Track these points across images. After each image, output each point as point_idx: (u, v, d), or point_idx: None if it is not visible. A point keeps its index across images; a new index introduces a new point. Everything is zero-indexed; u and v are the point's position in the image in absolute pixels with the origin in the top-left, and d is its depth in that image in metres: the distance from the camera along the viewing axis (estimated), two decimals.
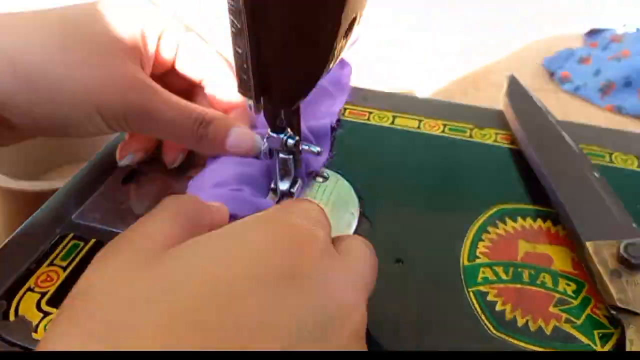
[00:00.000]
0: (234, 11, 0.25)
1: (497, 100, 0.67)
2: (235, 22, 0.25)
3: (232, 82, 0.34)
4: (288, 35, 0.24)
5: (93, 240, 0.33)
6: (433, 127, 0.42)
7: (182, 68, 0.36)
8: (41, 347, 0.17)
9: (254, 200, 0.32)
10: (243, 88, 0.28)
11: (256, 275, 0.18)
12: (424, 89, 0.68)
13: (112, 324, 0.16)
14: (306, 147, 0.31)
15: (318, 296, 0.19)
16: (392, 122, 0.42)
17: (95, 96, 0.30)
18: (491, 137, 0.41)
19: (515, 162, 0.39)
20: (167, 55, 0.35)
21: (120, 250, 0.20)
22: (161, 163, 0.38)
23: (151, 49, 0.34)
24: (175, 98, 0.32)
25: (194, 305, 0.16)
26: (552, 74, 0.72)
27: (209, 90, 0.36)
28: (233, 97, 0.36)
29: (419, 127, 0.42)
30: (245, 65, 0.27)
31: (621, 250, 0.29)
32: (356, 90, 0.46)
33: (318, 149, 0.31)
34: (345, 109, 0.44)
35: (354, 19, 0.24)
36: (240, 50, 0.26)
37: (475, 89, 0.72)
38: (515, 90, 0.44)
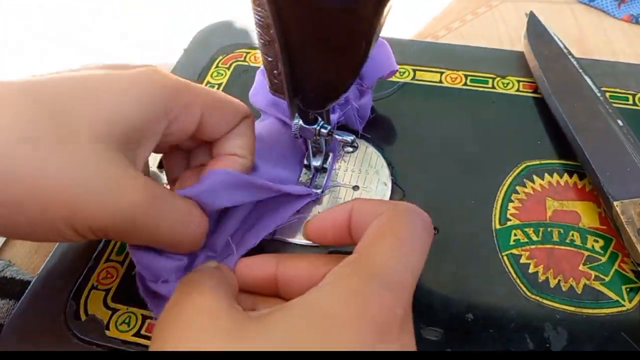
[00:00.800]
0: (261, 25, 0.25)
1: (511, 17, 0.65)
2: (264, 34, 0.25)
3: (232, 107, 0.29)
4: (319, 49, 0.24)
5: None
6: (455, 80, 0.42)
7: (206, 135, 0.30)
8: None
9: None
10: (275, 89, 0.28)
11: (356, 342, 0.19)
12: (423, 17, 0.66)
13: None
14: (339, 137, 0.32)
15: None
16: (413, 77, 0.42)
17: (65, 206, 0.22)
18: (514, 85, 0.41)
19: (539, 112, 0.39)
20: (185, 128, 0.28)
21: (197, 318, 0.21)
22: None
23: (155, 136, 0.26)
24: (178, 205, 0.26)
25: None
26: None
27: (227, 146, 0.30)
28: (235, 119, 0.30)
29: (440, 81, 0.42)
30: (275, 71, 0.27)
31: None
32: None
33: (352, 137, 0.32)
34: None
35: (382, 25, 0.24)
36: (270, 59, 0.26)
37: (487, 6, 0.70)
38: (535, 29, 0.43)
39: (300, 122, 0.31)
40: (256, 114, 0.34)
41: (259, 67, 0.42)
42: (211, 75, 0.44)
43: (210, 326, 0.20)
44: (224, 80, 0.44)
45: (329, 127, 0.31)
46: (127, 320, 0.31)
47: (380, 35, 0.25)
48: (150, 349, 0.22)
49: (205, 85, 0.43)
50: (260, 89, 0.35)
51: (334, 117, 0.35)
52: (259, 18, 0.25)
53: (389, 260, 0.22)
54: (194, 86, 0.27)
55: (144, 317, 0.31)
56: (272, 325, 0.20)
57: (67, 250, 0.35)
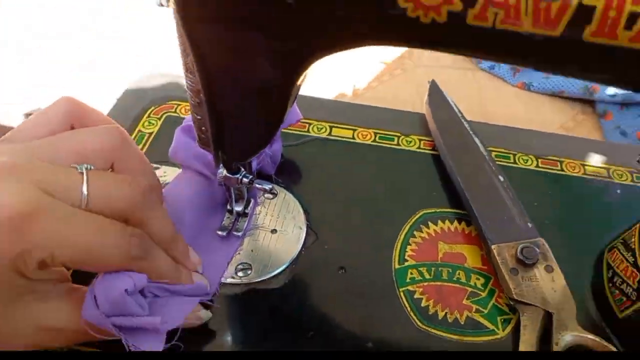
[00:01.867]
0: (192, 89, 0.29)
1: (422, 79, 0.72)
2: (194, 97, 0.29)
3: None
4: (244, 114, 0.28)
5: None
6: (365, 137, 0.47)
7: None
8: None
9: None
10: (203, 143, 0.32)
11: None
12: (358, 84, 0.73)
13: None
14: (259, 185, 0.36)
15: None
16: (330, 133, 0.47)
17: None
18: (416, 143, 0.47)
19: (436, 167, 0.45)
20: None
21: None
22: None
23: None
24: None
25: None
26: None
27: None
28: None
29: (353, 137, 0.47)
30: (203, 128, 0.31)
31: (518, 253, 0.36)
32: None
33: (270, 185, 0.36)
34: None
35: (298, 89, 0.28)
36: (199, 117, 0.30)
37: (402, 69, 0.78)
38: (435, 95, 0.49)
39: (224, 171, 0.35)
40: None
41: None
42: (142, 125, 0.47)
43: None
44: (155, 130, 0.47)
45: (250, 177, 0.35)
46: None
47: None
48: None
49: (137, 134, 0.46)
50: (180, 146, 0.38)
51: (253, 165, 0.39)
52: (189, 83, 0.29)
53: None
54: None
55: None
56: None
57: None
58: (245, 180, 0.35)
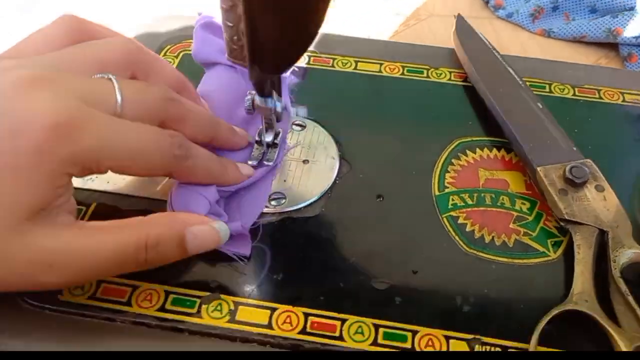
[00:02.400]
0: None
1: (438, 28, 0.70)
2: (225, 0, 0.27)
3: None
4: (279, 12, 0.26)
5: (94, 204, 0.35)
6: (393, 70, 0.45)
7: None
8: None
9: None
10: (234, 56, 0.30)
11: None
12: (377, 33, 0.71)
13: None
14: (292, 113, 0.35)
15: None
16: (355, 67, 0.45)
17: None
18: (446, 75, 0.45)
19: (469, 98, 0.43)
20: None
21: None
22: None
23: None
24: (98, 228, 0.27)
25: None
26: (486, 2, 0.76)
27: None
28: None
29: (380, 71, 0.45)
30: (235, 37, 0.29)
31: (566, 172, 0.34)
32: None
33: (305, 110, 0.35)
34: (309, 57, 0.46)
35: None
36: (231, 24, 0.28)
37: (416, 19, 0.75)
38: (463, 29, 0.47)
39: (256, 97, 0.33)
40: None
41: None
42: None
43: None
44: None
45: (281, 103, 0.34)
46: (80, 287, 0.31)
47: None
48: None
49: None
50: (202, 44, 0.37)
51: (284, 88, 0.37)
52: None
53: None
54: None
55: (99, 281, 0.31)
56: None
57: None
58: (277, 108, 0.33)
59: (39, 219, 0.25)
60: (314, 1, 0.26)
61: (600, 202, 0.34)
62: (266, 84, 0.32)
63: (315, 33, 0.28)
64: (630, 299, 0.29)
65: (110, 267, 0.27)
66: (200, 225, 0.28)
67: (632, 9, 0.68)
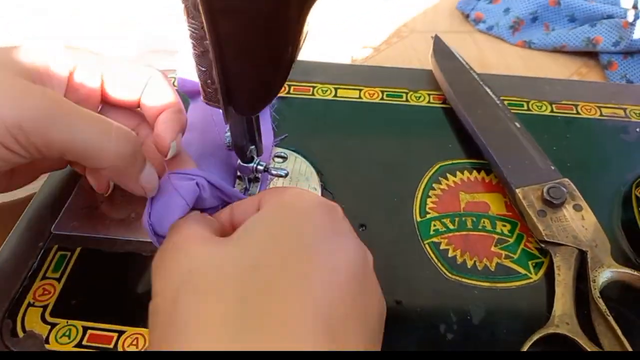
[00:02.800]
0: (195, 36, 0.27)
1: (420, 45, 0.71)
2: (198, 46, 0.27)
3: (165, 88, 0.34)
4: (251, 57, 0.26)
5: (79, 249, 0.36)
6: (372, 96, 0.45)
7: (114, 93, 0.33)
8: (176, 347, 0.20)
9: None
10: (209, 99, 0.30)
11: (315, 232, 0.24)
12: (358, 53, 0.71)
13: (241, 290, 0.21)
14: (274, 172, 0.35)
15: (354, 244, 0.25)
16: (335, 95, 0.46)
17: None
18: (425, 98, 0.45)
19: (448, 120, 0.43)
20: (87, 86, 0.32)
21: (189, 242, 0.25)
22: None
23: (60, 85, 0.31)
24: (89, 115, 0.28)
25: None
26: (467, 16, 0.77)
27: (144, 100, 0.34)
28: (166, 100, 0.33)
29: (359, 97, 0.45)
30: (209, 81, 0.29)
31: (544, 194, 0.35)
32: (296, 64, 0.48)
33: (286, 171, 0.35)
34: (289, 86, 0.46)
35: (305, 35, 0.27)
36: (204, 69, 0.29)
37: (398, 37, 0.76)
38: (440, 49, 0.48)
39: (239, 161, 0.35)
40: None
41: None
42: None
43: (199, 245, 0.24)
44: None
45: (265, 164, 0.35)
46: (67, 333, 0.31)
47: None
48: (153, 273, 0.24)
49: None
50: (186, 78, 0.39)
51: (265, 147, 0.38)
52: (192, 30, 0.27)
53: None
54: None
55: (85, 328, 0.32)
56: (248, 229, 0.24)
57: None
58: (260, 168, 0.35)
59: None
60: (285, 44, 0.26)
61: (578, 222, 0.34)
62: (247, 150, 0.33)
63: (287, 72, 0.29)
64: (610, 319, 0.29)
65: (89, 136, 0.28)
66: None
67: (610, 17, 0.69)
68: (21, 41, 0.31)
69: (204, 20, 0.25)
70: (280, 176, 0.37)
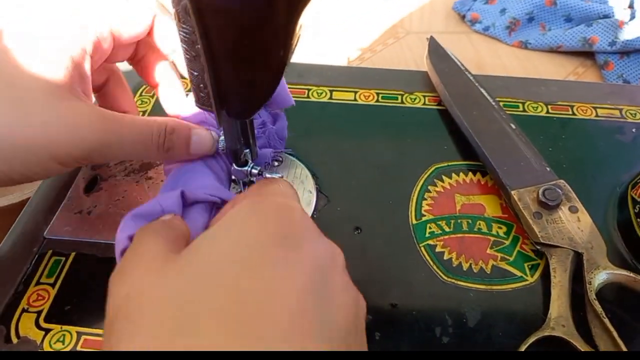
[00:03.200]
0: (187, 41, 0.27)
1: (416, 45, 0.71)
2: (189, 50, 0.27)
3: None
4: (242, 60, 0.26)
5: (73, 254, 0.36)
6: (368, 98, 0.45)
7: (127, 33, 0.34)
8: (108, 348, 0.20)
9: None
10: (202, 103, 0.30)
11: (261, 249, 0.21)
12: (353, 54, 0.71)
13: (172, 324, 0.19)
14: (269, 176, 0.35)
15: (312, 248, 0.23)
16: (330, 97, 0.46)
17: (47, 147, 0.28)
18: (420, 100, 0.45)
19: (444, 122, 0.43)
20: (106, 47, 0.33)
21: (137, 262, 0.23)
22: (120, 167, 0.40)
23: (87, 68, 0.31)
24: (130, 117, 0.31)
25: (230, 290, 0.20)
26: (463, 17, 0.77)
27: (157, 38, 0.35)
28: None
29: (355, 99, 0.45)
30: (202, 85, 0.29)
31: (540, 195, 0.35)
32: (291, 67, 0.48)
33: (279, 175, 0.35)
34: None
35: (298, 39, 0.27)
36: (196, 73, 0.29)
37: (394, 38, 0.76)
38: (436, 51, 0.48)
39: (233, 165, 0.34)
40: None
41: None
42: (136, 104, 0.45)
43: (144, 267, 0.22)
44: (149, 108, 0.45)
45: (259, 168, 0.34)
46: (61, 339, 0.31)
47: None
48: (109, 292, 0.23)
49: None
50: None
51: (263, 150, 0.37)
52: (184, 35, 0.27)
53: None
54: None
55: (79, 334, 0.31)
56: (195, 248, 0.22)
57: None
58: (254, 172, 0.34)
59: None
60: (276, 48, 0.26)
61: (574, 224, 0.34)
62: (241, 154, 0.33)
63: (280, 76, 0.28)
64: (606, 321, 0.29)
65: (137, 147, 0.31)
66: (201, 130, 0.34)
67: (606, 16, 0.69)
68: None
69: (194, 25, 0.25)
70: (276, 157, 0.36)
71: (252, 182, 0.37)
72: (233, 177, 0.38)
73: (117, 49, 0.34)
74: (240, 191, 0.37)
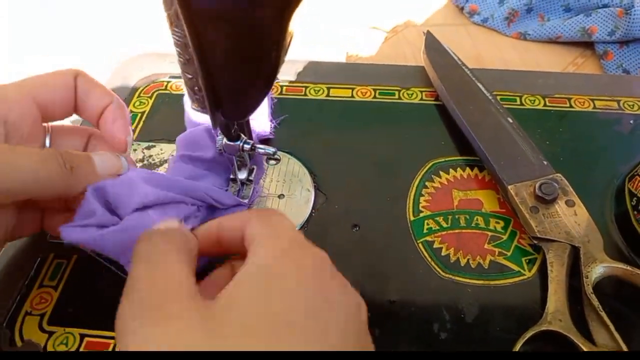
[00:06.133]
0: (180, 44, 0.27)
1: (415, 39, 0.71)
2: (183, 53, 0.27)
3: (96, 84, 0.33)
4: (235, 63, 0.26)
5: (75, 257, 0.36)
6: (365, 94, 0.45)
7: (52, 108, 0.32)
8: None
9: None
10: (197, 105, 0.31)
11: (305, 310, 0.21)
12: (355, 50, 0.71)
13: None
14: (262, 150, 0.35)
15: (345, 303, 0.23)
16: (328, 94, 0.46)
17: None
18: (417, 95, 0.45)
19: (441, 117, 0.43)
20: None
21: (163, 302, 0.21)
22: None
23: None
24: (22, 146, 0.29)
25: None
26: (461, 9, 0.77)
27: (81, 103, 0.33)
28: (103, 97, 0.33)
29: (352, 96, 0.45)
30: (196, 88, 0.29)
31: (536, 190, 0.35)
32: (288, 65, 0.48)
33: (273, 149, 0.35)
34: (281, 87, 0.46)
35: (291, 37, 0.27)
36: (190, 76, 0.29)
37: (392, 32, 0.76)
38: (432, 45, 0.48)
39: (224, 139, 0.34)
40: None
41: (180, 95, 0.45)
42: (134, 105, 0.45)
43: (177, 316, 0.20)
44: (147, 109, 0.45)
45: (251, 143, 0.34)
46: (64, 341, 0.32)
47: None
48: (116, 334, 0.21)
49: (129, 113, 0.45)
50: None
51: (252, 128, 0.37)
52: (177, 38, 0.27)
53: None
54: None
55: (82, 336, 0.32)
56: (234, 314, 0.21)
57: None
58: (246, 147, 0.34)
59: None
60: (267, 50, 0.26)
61: (571, 218, 0.34)
62: (233, 129, 0.33)
63: (274, 77, 0.29)
64: (604, 314, 0.29)
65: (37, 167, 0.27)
66: (102, 153, 0.31)
67: (605, 5, 0.68)
68: None
69: (185, 29, 0.25)
70: (269, 154, 0.35)
71: (250, 181, 0.38)
72: (232, 177, 0.38)
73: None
74: (239, 190, 0.37)
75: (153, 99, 0.46)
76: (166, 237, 0.25)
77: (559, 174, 0.36)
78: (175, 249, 0.24)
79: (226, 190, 0.37)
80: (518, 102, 0.44)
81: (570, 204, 0.35)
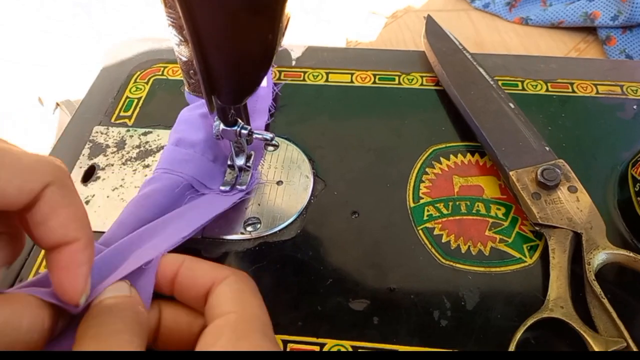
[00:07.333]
0: (174, 25, 0.27)
1: (415, 24, 0.70)
2: (177, 34, 0.27)
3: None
4: (230, 45, 0.26)
5: None
6: (364, 79, 0.45)
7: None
8: None
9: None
10: (193, 89, 0.30)
11: None
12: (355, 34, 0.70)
13: None
14: (259, 136, 0.34)
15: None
16: (326, 80, 0.45)
17: None
18: (418, 80, 0.45)
19: (441, 102, 0.43)
20: None
21: None
22: (117, 155, 0.40)
23: None
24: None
25: None
26: None
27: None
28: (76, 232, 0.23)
29: (351, 81, 0.45)
30: (191, 71, 0.29)
31: (538, 176, 0.34)
32: (286, 50, 0.48)
33: (270, 135, 0.34)
34: (279, 72, 0.46)
35: (288, 19, 0.26)
36: (184, 58, 0.28)
37: (393, 17, 0.75)
38: (433, 30, 0.47)
39: (221, 125, 0.33)
40: None
41: (177, 80, 0.44)
42: (130, 91, 0.45)
43: None
44: (143, 94, 0.45)
45: (248, 128, 0.33)
46: None
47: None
48: None
49: (125, 100, 0.44)
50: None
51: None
52: (171, 20, 0.26)
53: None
54: None
55: None
56: None
57: None
58: (243, 132, 0.33)
59: None
60: (264, 32, 0.26)
61: (573, 204, 0.34)
62: (229, 113, 0.32)
63: (270, 60, 0.28)
64: (605, 301, 0.29)
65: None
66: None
67: None
68: None
69: (180, 10, 0.24)
70: (266, 140, 0.35)
71: (249, 167, 0.37)
72: (229, 163, 0.37)
73: None
74: (236, 177, 0.37)
75: (149, 84, 0.45)
76: (115, 315, 0.22)
77: (561, 160, 0.36)
78: (127, 329, 0.22)
79: (224, 177, 0.37)
80: (520, 87, 0.44)
81: (572, 190, 0.34)
